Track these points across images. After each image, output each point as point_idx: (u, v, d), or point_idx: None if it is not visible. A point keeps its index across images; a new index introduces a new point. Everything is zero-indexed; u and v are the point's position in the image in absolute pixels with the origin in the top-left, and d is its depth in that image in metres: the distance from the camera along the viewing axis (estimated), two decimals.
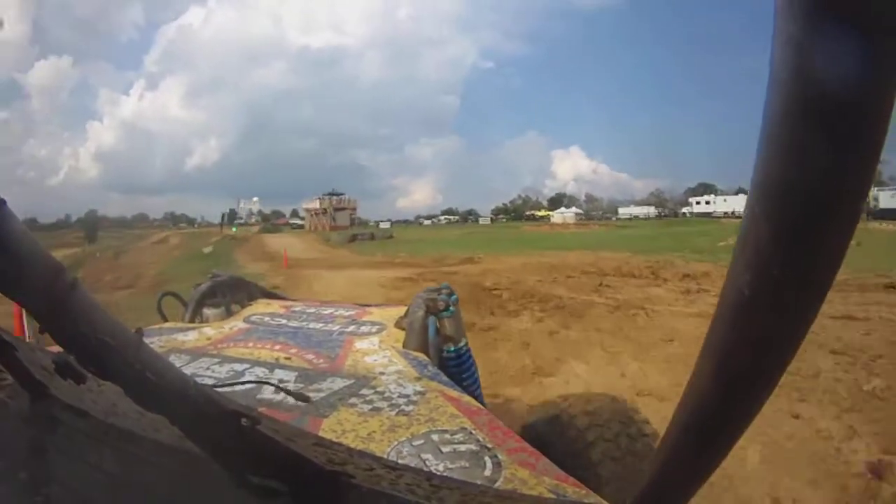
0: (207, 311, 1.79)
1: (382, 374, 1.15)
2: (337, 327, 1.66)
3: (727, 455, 0.34)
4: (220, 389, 0.96)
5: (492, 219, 57.34)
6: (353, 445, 0.73)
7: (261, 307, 1.97)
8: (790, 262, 0.24)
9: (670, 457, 0.37)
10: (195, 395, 0.42)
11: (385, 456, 0.75)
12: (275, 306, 2.00)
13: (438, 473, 0.69)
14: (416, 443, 0.80)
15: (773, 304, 0.25)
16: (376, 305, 2.10)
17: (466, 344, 1.69)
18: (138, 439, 0.55)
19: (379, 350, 1.37)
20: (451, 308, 1.58)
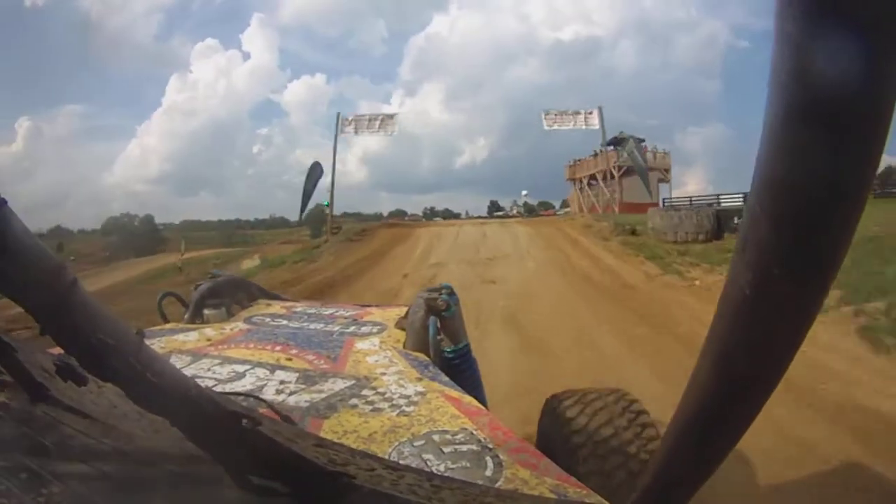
0: (208, 312, 1.78)
1: (383, 374, 1.15)
2: (337, 328, 1.66)
3: (728, 455, 0.34)
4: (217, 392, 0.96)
5: None
6: (354, 446, 0.73)
7: (261, 308, 1.97)
8: (791, 262, 0.24)
9: (671, 456, 0.37)
10: (196, 396, 0.42)
11: (386, 457, 0.75)
12: (275, 307, 2.00)
13: (439, 474, 0.69)
14: (417, 443, 0.80)
15: (774, 303, 0.25)
16: (377, 305, 2.10)
17: (467, 344, 1.69)
18: (138, 440, 0.55)
19: (380, 350, 1.37)
20: (452, 308, 1.58)
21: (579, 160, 29.04)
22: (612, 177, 24.19)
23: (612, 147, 24.66)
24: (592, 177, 26.64)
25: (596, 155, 26.31)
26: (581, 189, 28.37)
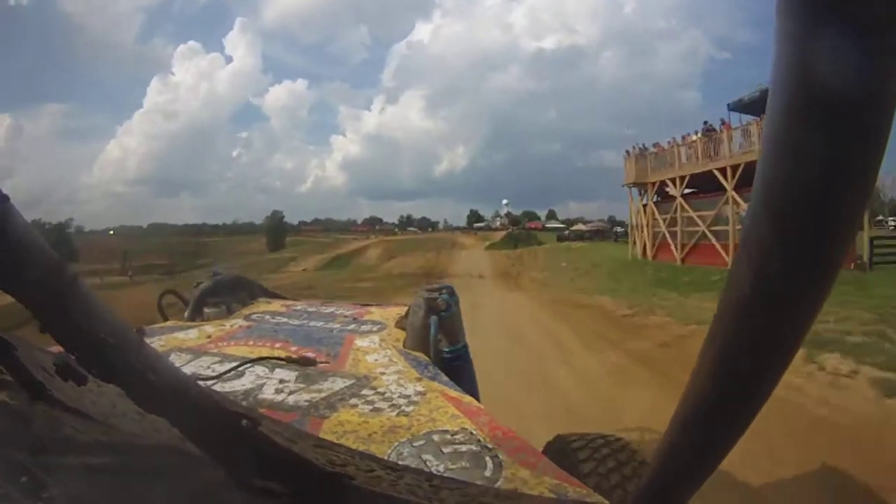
0: (208, 310, 1.78)
1: (383, 374, 1.15)
2: (337, 326, 1.66)
3: (727, 454, 0.34)
4: (225, 379, 0.96)
5: None
6: (353, 446, 0.73)
7: (261, 306, 1.97)
8: (792, 262, 0.24)
9: (670, 455, 0.37)
10: (196, 396, 0.42)
11: (386, 457, 0.75)
12: (275, 305, 2.00)
13: (439, 474, 0.69)
14: (416, 443, 0.80)
15: (774, 303, 0.25)
16: (377, 305, 2.10)
17: (466, 345, 1.69)
18: (138, 440, 0.55)
19: (379, 349, 1.37)
20: (452, 308, 1.58)
21: (660, 147, 15.17)
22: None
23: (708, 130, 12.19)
24: (683, 182, 13.50)
25: (708, 133, 12.85)
26: (658, 204, 14.77)
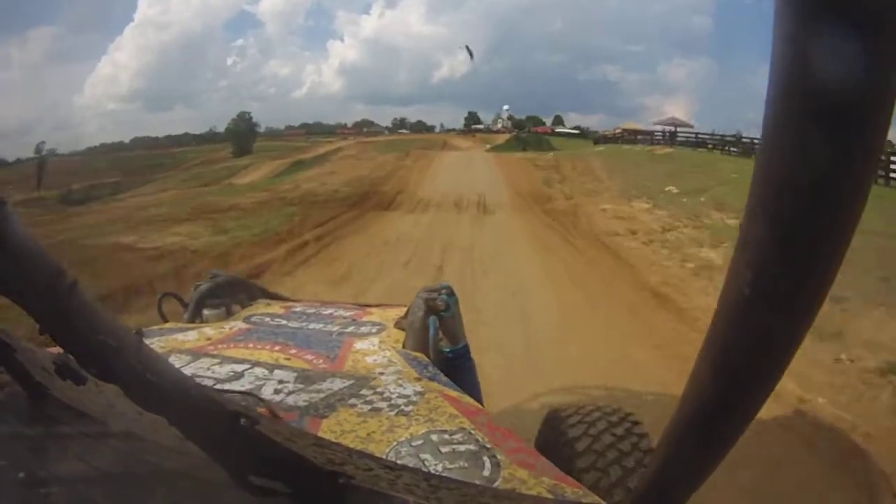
0: (207, 312, 1.78)
1: (382, 374, 1.15)
2: (336, 328, 1.66)
3: (727, 454, 0.34)
4: (220, 388, 0.96)
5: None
6: (352, 446, 0.73)
7: (261, 307, 1.97)
8: (791, 261, 0.24)
9: (670, 455, 0.37)
10: (195, 395, 0.42)
11: (384, 456, 0.75)
12: (275, 307, 2.00)
13: (437, 473, 0.69)
14: (415, 443, 0.80)
15: (773, 302, 0.25)
16: (376, 305, 2.10)
17: (466, 345, 1.69)
18: (137, 440, 0.55)
19: (379, 350, 1.37)
20: (452, 308, 1.58)
21: None
22: None
23: None
24: None
25: None
26: None
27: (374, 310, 1.97)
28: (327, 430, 0.85)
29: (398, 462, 0.71)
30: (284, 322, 1.71)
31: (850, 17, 0.19)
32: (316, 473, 0.44)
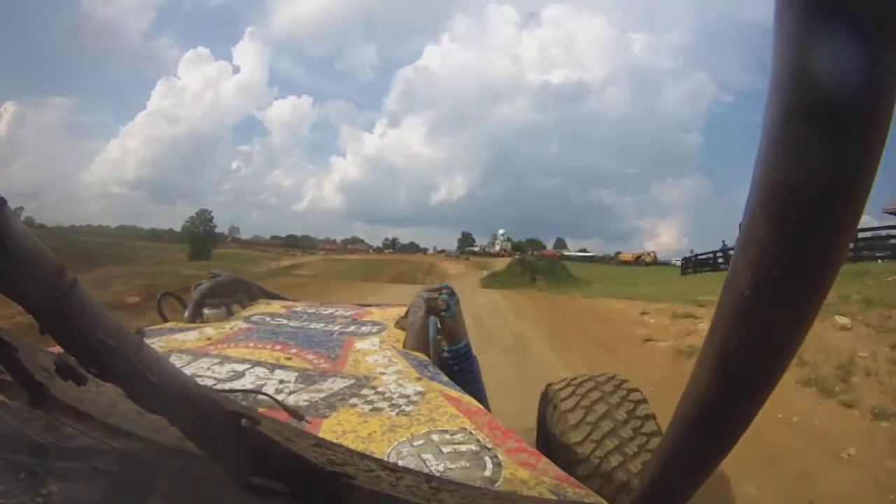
0: (208, 312, 1.78)
1: (383, 374, 1.15)
2: (337, 327, 1.66)
3: (727, 455, 0.34)
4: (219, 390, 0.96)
5: None
6: (353, 446, 0.73)
7: (261, 307, 1.97)
8: (791, 263, 0.24)
9: (670, 456, 0.37)
10: (195, 395, 0.42)
11: (385, 456, 0.75)
12: (275, 306, 2.00)
13: (438, 474, 0.69)
14: (416, 443, 0.80)
15: (773, 304, 0.25)
16: (376, 305, 2.09)
17: (467, 344, 1.69)
18: (138, 440, 0.55)
19: (379, 350, 1.37)
20: (452, 308, 1.58)
21: None
22: None
23: None
24: None
25: None
26: None
27: (374, 310, 1.96)
28: (328, 429, 0.85)
29: (399, 462, 0.71)
30: (285, 322, 1.71)
31: (850, 18, 0.19)
32: (317, 474, 0.44)
